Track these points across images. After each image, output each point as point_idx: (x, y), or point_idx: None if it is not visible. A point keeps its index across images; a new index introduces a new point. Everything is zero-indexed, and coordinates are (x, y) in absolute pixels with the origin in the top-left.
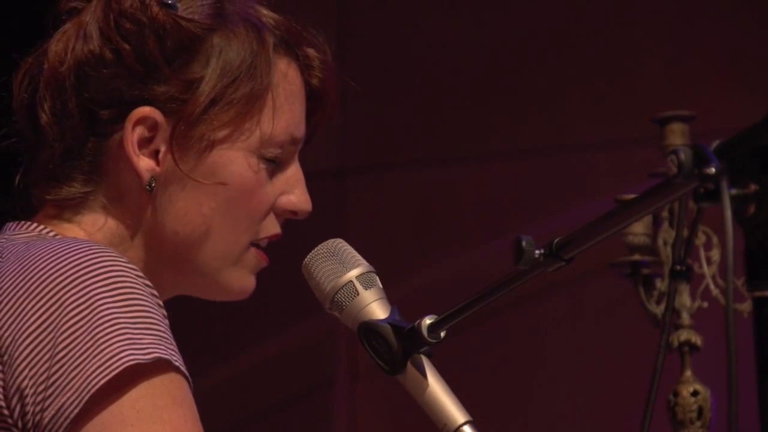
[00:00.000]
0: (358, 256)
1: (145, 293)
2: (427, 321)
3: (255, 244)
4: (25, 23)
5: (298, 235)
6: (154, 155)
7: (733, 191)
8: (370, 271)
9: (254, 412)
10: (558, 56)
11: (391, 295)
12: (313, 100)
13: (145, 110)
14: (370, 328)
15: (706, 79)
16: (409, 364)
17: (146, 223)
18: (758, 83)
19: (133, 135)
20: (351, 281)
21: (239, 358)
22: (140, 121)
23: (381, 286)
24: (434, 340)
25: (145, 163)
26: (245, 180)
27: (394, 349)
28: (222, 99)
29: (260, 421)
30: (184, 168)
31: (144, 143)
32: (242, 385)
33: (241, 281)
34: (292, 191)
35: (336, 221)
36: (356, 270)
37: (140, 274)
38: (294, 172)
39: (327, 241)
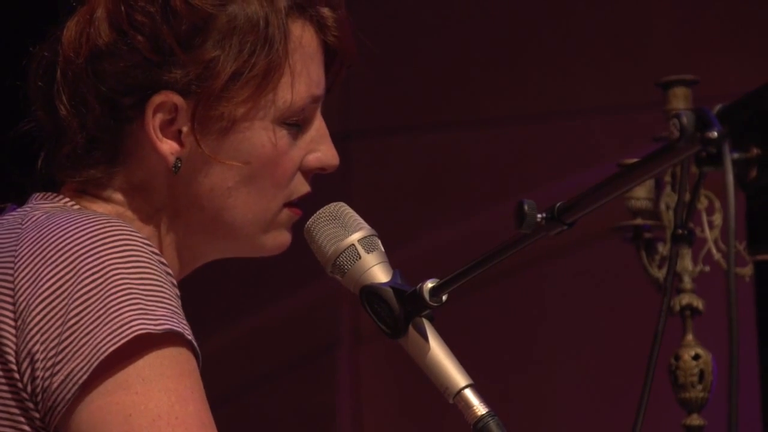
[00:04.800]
0: (360, 220)
1: (159, 270)
2: (429, 285)
3: (287, 203)
4: (35, 10)
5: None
6: (177, 136)
7: (735, 155)
8: (372, 235)
9: (258, 375)
10: (562, 21)
11: (395, 259)
12: (331, 54)
13: (165, 96)
14: (371, 291)
15: (709, 44)
16: (410, 327)
17: (172, 200)
18: (762, 48)
19: (154, 120)
20: (353, 245)
21: (242, 322)
22: (160, 107)
23: (383, 249)
24: (436, 304)
25: (168, 146)
26: (268, 152)
27: (395, 312)
28: (240, 75)
29: (264, 384)
30: (207, 149)
31: (165, 125)
32: (245, 349)
33: (276, 240)
34: (318, 148)
35: (341, 185)
36: (358, 233)
37: (156, 251)
38: (317, 128)
39: (329, 205)
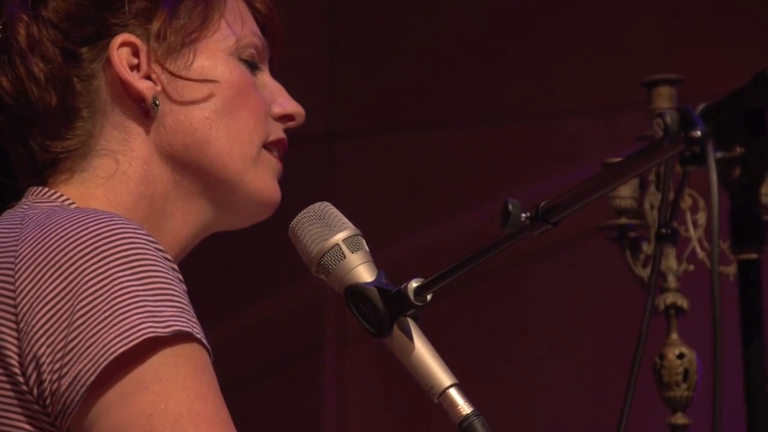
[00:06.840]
0: (345, 220)
1: (164, 266)
2: (414, 284)
3: (267, 147)
4: None
5: (286, 199)
6: (148, 79)
7: (719, 154)
8: (356, 234)
9: (243, 375)
10: (547, 21)
11: (380, 259)
12: (262, 29)
13: (122, 36)
14: (356, 291)
15: (694, 44)
16: (395, 327)
17: (155, 148)
18: (746, 48)
19: (121, 59)
20: (337, 244)
21: (227, 322)
22: (121, 45)
23: (367, 249)
24: (420, 303)
25: (143, 83)
26: (235, 78)
27: (380, 312)
28: (180, 8)
29: (249, 385)
30: (175, 71)
31: (133, 69)
32: (230, 350)
33: (267, 182)
34: (278, 99)
35: (325, 185)
36: (343, 233)
37: (160, 247)
38: (273, 83)
39: (314, 205)
